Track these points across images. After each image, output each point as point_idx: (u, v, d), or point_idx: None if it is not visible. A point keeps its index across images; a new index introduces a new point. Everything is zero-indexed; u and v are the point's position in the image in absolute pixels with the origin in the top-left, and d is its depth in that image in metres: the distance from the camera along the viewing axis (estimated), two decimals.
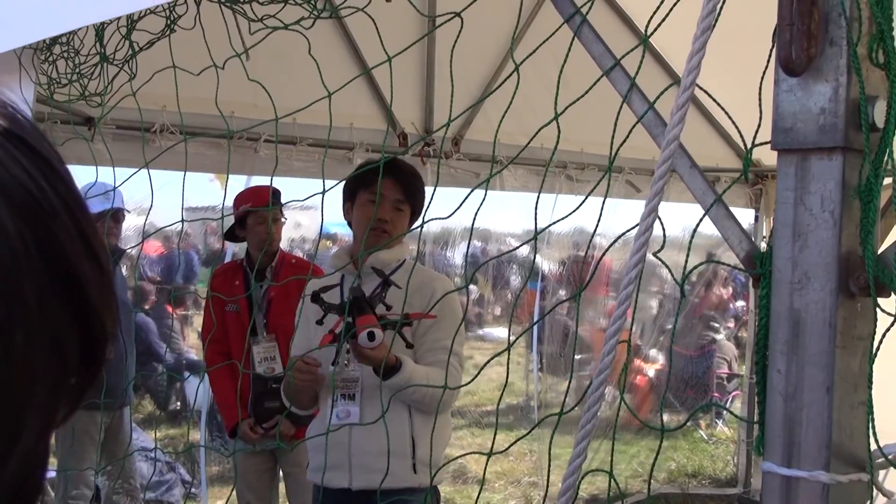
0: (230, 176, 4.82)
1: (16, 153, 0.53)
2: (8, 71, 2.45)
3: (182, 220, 2.74)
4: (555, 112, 1.40)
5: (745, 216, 6.57)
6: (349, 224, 3.27)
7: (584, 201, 1.57)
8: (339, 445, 2.98)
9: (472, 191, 1.74)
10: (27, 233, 0.50)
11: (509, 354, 1.63)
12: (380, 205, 2.98)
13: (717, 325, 9.58)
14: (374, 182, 3.00)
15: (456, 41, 1.72)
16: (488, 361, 1.81)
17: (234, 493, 4.40)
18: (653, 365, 8.40)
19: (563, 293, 8.29)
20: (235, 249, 5.28)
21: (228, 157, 3.48)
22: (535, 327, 8.03)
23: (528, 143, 1.69)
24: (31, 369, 0.51)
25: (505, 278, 11.99)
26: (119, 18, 2.53)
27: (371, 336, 2.70)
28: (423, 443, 3.00)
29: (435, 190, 2.55)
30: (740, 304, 10.27)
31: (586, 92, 1.38)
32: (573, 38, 1.33)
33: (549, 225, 1.79)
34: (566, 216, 1.62)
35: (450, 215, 1.90)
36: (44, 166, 0.54)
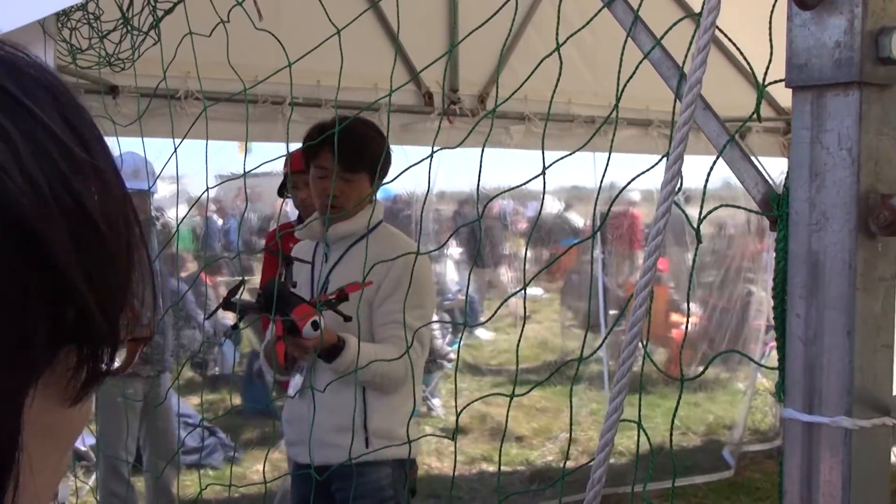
0: (256, 143, 4.79)
1: None
2: (31, 41, 2.44)
3: (245, 178, 2.77)
4: (556, 42, 1.36)
5: (777, 165, 6.44)
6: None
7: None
8: (299, 421, 2.89)
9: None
10: None
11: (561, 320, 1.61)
12: (328, 178, 2.84)
13: (753, 276, 9.48)
14: (319, 155, 2.90)
15: None
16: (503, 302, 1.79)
17: (278, 453, 4.44)
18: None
19: (598, 249, 8.23)
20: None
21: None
22: (576, 284, 7.95)
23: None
24: None
25: (541, 236, 11.92)
26: None
27: (315, 325, 2.58)
28: (378, 416, 2.87)
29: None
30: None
31: (588, 21, 1.35)
32: None
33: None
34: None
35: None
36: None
